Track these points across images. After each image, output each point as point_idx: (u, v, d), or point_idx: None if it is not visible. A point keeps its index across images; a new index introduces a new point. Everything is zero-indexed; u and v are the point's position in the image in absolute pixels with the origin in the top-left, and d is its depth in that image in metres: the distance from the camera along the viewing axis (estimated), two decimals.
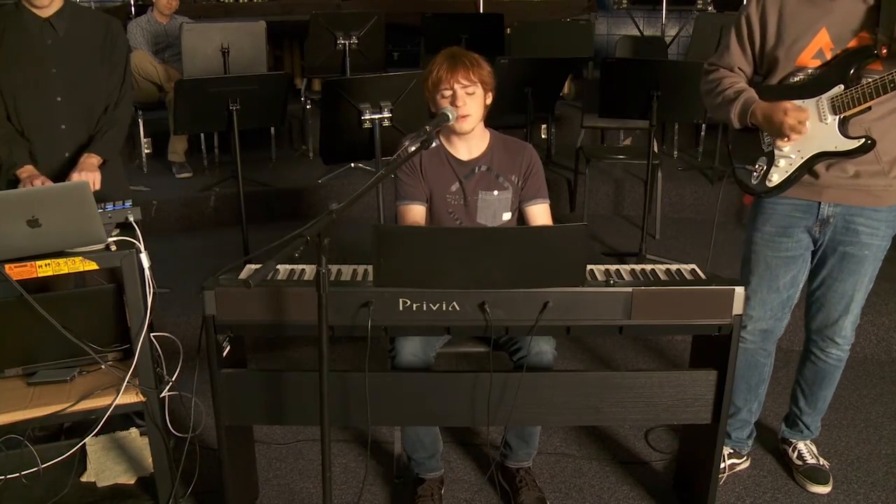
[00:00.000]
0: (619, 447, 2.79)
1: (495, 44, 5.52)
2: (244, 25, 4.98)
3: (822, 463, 2.60)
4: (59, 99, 2.56)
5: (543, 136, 5.66)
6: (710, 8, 6.58)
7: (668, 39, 6.67)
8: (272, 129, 5.46)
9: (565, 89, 6.49)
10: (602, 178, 5.03)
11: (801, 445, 2.63)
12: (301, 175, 5.13)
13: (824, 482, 2.54)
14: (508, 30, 5.85)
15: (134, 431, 2.48)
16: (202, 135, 5.36)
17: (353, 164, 4.96)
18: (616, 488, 2.56)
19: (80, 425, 2.32)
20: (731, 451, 2.61)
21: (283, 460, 2.69)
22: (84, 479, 2.28)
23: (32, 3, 2.47)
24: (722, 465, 2.57)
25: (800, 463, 2.60)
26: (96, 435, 2.23)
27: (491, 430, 2.60)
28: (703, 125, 5.34)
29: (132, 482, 2.27)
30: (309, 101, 5.65)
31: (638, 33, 7.18)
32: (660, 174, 4.51)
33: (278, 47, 6.54)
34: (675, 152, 5.58)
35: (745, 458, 2.64)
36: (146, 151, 5.30)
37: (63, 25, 2.54)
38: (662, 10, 6.63)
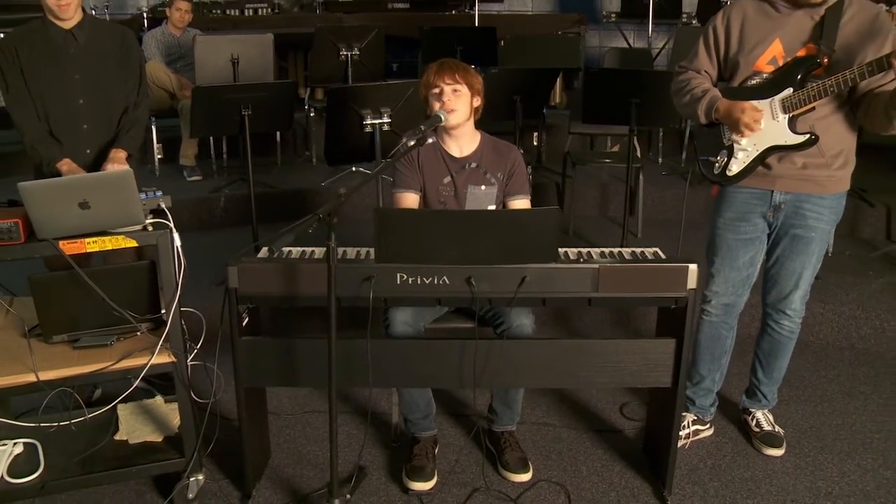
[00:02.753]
0: (595, 417, 3.08)
1: (489, 55, 5.83)
2: (253, 37, 5.30)
3: (777, 430, 2.89)
4: (81, 101, 2.86)
5: (535, 143, 5.97)
6: (693, 21, 6.93)
7: (655, 51, 7.01)
8: (278, 135, 5.77)
9: (557, 99, 6.82)
10: (589, 182, 5.32)
11: (759, 414, 2.93)
12: (305, 178, 5.43)
13: (778, 446, 2.84)
14: (501, 42, 6.16)
15: (159, 399, 2.77)
16: (211, 140, 5.68)
17: (353, 168, 5.26)
18: (591, 452, 2.85)
19: (107, 398, 2.61)
20: (695, 417, 2.91)
21: (292, 428, 2.98)
22: (117, 437, 2.56)
23: (56, 17, 2.77)
24: (686, 431, 2.87)
25: (757, 430, 2.90)
26: (125, 401, 2.55)
27: (478, 400, 2.90)
28: (687, 133, 5.65)
29: (160, 440, 2.56)
30: (312, 110, 5.97)
31: (626, 45, 7.53)
32: (641, 177, 4.82)
33: (283, 58, 6.86)
34: (660, 158, 5.89)
35: (708, 425, 2.94)
36: (158, 156, 5.60)
37: (83, 36, 2.84)
38: (649, 23, 6.96)
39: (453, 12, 7.68)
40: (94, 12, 6.46)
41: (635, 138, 4.76)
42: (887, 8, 3.21)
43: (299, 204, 5.10)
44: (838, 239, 4.54)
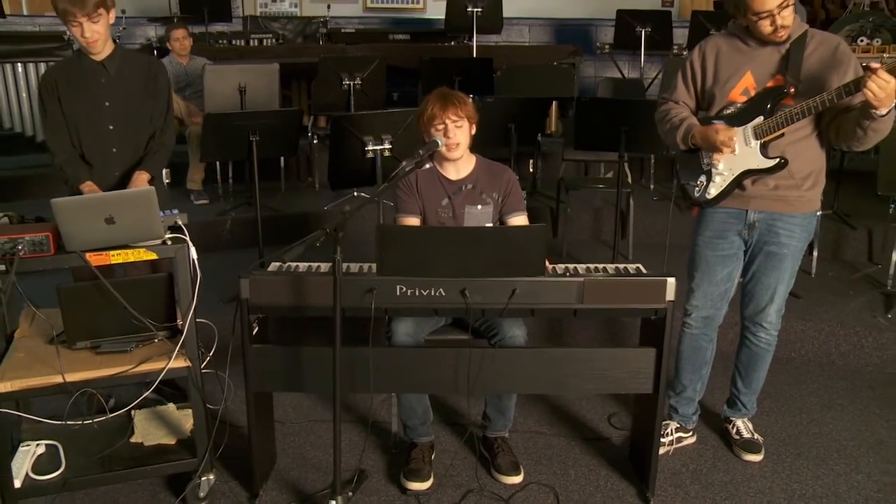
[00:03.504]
0: (584, 426, 3.25)
1: (486, 85, 6.05)
2: (259, 67, 5.52)
3: (756, 437, 3.06)
4: (111, 127, 3.06)
5: (531, 170, 6.18)
6: (684, 52, 7.16)
7: (647, 81, 7.24)
8: (281, 161, 5.98)
9: (552, 127, 7.04)
10: (582, 207, 5.51)
11: (739, 423, 3.09)
12: (308, 203, 5.62)
13: (757, 452, 3.00)
14: (498, 72, 6.39)
15: (171, 406, 2.94)
16: (218, 166, 5.88)
17: (355, 193, 5.45)
18: (580, 458, 3.01)
19: (121, 406, 2.78)
20: (679, 425, 3.07)
21: (296, 435, 3.15)
22: (133, 440, 2.72)
23: (89, 51, 2.99)
24: (670, 439, 3.04)
25: (737, 437, 3.06)
26: (139, 407, 2.72)
27: (472, 408, 3.06)
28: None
29: (173, 443, 2.72)
30: (315, 137, 6.18)
31: (620, 76, 7.76)
32: (632, 202, 5.01)
33: (287, 87, 7.09)
34: (652, 184, 6.10)
35: (690, 433, 3.10)
36: (166, 181, 5.79)
37: (114, 66, 3.05)
38: (641, 54, 7.19)
39: (452, 43, 7.91)
40: None
41: (626, 165, 4.99)
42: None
43: (303, 227, 5.28)
44: (822, 261, 4.73)
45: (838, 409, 3.42)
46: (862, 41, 7.26)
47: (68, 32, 2.98)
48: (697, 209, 2.88)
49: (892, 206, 4.43)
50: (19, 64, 5.61)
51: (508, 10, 7.88)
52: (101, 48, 2.99)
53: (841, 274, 4.67)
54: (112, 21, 2.98)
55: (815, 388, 3.62)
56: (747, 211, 2.75)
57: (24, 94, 5.66)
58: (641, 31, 7.04)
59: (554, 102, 6.68)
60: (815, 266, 4.63)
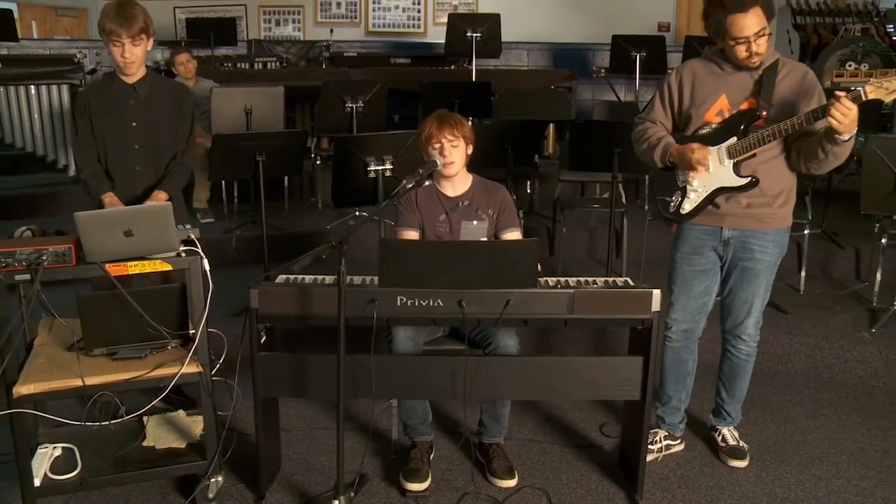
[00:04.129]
0: (577, 434, 3.38)
1: (484, 108, 6.22)
2: (265, 90, 5.71)
3: (741, 444, 3.19)
4: (136, 146, 3.23)
5: (528, 190, 6.34)
6: None
7: (642, 104, 7.42)
8: (285, 181, 6.14)
9: (550, 149, 7.21)
10: (578, 227, 5.65)
11: (725, 431, 3.22)
12: (311, 222, 5.77)
13: (742, 458, 3.13)
14: (496, 96, 6.57)
15: (181, 412, 3.07)
16: (223, 185, 6.05)
17: (357, 212, 5.60)
18: (572, 464, 3.14)
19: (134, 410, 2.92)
20: (666, 433, 3.20)
21: (300, 442, 3.28)
22: (145, 444, 2.86)
23: (123, 73, 3.18)
24: (659, 446, 3.17)
25: (723, 444, 3.19)
26: (154, 411, 2.86)
27: (469, 418, 3.19)
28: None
29: (183, 446, 2.85)
30: (318, 158, 6.35)
31: (616, 99, 7.95)
32: (625, 221, 5.16)
33: (291, 109, 7.25)
34: (646, 204, 6.25)
35: (679, 440, 3.23)
36: None
37: (144, 90, 3.23)
38: (636, 78, 7.38)
39: (452, 67, 8.11)
40: None
41: (621, 185, 5.15)
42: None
43: (306, 245, 5.41)
44: (811, 279, 4.88)
45: (822, 418, 3.55)
46: (850, 66, 7.47)
47: (105, 51, 3.17)
48: (676, 226, 3.03)
49: (878, 225, 4.57)
50: (32, 86, 5.78)
51: (508, 35, 8.08)
52: (135, 71, 3.17)
53: (828, 291, 4.81)
54: (149, 48, 3.18)
55: (800, 398, 3.76)
56: (722, 228, 2.91)
57: (35, 116, 5.82)
58: (636, 56, 7.22)
59: (551, 125, 6.86)
60: (803, 283, 4.78)
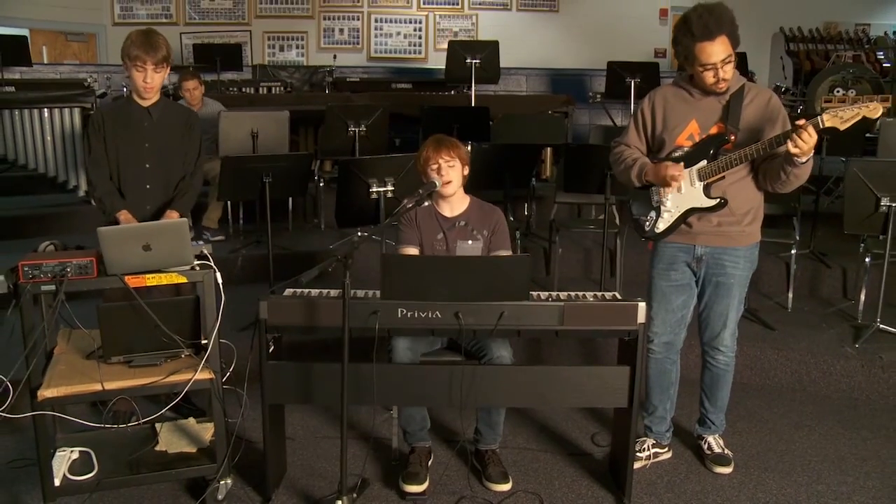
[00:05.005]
0: (570, 443, 3.53)
1: (482, 132, 6.41)
2: (271, 114, 5.91)
3: (726, 452, 3.33)
4: (147, 166, 3.43)
5: (526, 212, 6.52)
6: None
7: None
8: (290, 203, 6.32)
9: (548, 172, 7.40)
10: (573, 247, 5.82)
11: (710, 439, 3.37)
12: (314, 242, 5.93)
13: (727, 465, 3.27)
14: (494, 121, 6.76)
15: (192, 420, 3.22)
16: (229, 207, 6.23)
17: (359, 233, 5.78)
18: (564, 470, 3.29)
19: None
20: (654, 442, 3.35)
21: (304, 449, 3.43)
22: (157, 448, 3.01)
23: (140, 97, 3.39)
24: (647, 454, 3.31)
25: (709, 452, 3.34)
26: (170, 412, 3.02)
27: (466, 429, 3.34)
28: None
29: (194, 451, 3.00)
30: (321, 180, 6.54)
31: (611, 123, 8.16)
32: (619, 241, 5.32)
33: (295, 132, 7.43)
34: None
35: (666, 448, 3.38)
36: None
37: (157, 113, 3.44)
38: (631, 103, 7.58)
39: (452, 92, 8.33)
40: (124, 91, 7.09)
41: (614, 207, 5.33)
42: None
43: (310, 264, 5.49)
44: (799, 297, 5.04)
45: (806, 429, 3.70)
46: (838, 91, 7.69)
47: (124, 75, 3.38)
48: (652, 244, 3.21)
49: (863, 245, 4.73)
50: (45, 110, 5.99)
51: (508, 61, 8.31)
52: (153, 96, 3.40)
53: (816, 309, 4.97)
54: (166, 76, 3.41)
55: (785, 410, 3.90)
56: (695, 246, 3.08)
57: (48, 138, 6.02)
58: (631, 82, 7.44)
59: (549, 149, 7.06)
60: (791, 302, 4.94)
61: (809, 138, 2.65)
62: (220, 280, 2.77)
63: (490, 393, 2.91)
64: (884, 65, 10.39)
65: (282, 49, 10.95)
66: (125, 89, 7.39)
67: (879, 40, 10.90)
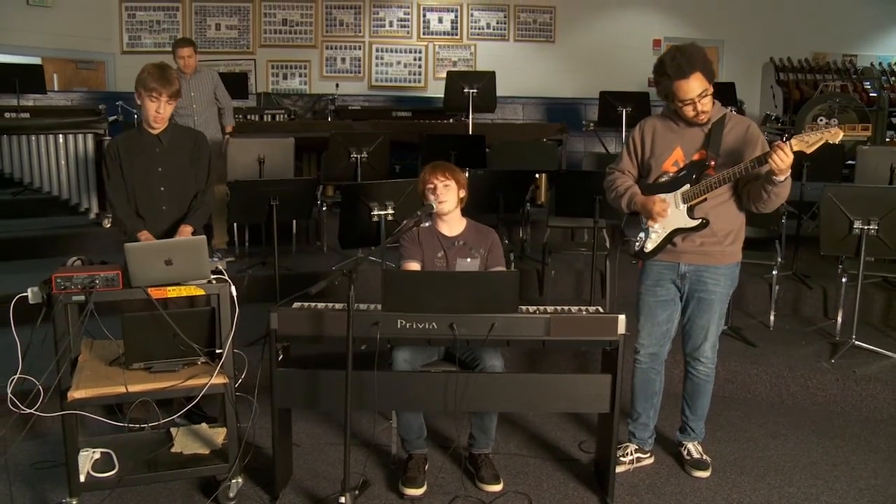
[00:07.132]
0: (558, 450, 3.75)
1: (478, 159, 6.68)
2: (277, 141, 6.20)
3: (705, 457, 3.56)
4: (162, 189, 3.69)
5: (520, 236, 6.77)
6: None
7: None
8: (293, 226, 6.57)
9: (542, 197, 7.66)
10: (566, 269, 6.04)
11: (690, 445, 3.59)
12: (317, 263, 6.17)
13: (705, 469, 3.50)
14: (490, 148, 7.03)
15: (204, 425, 3.45)
16: (235, 229, 6.48)
17: (360, 254, 6.01)
18: (552, 473, 3.51)
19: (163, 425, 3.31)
20: (637, 447, 3.57)
21: (309, 454, 3.65)
22: (173, 450, 3.23)
23: (152, 125, 3.64)
24: (630, 458, 3.53)
25: (688, 457, 3.56)
26: (182, 419, 3.25)
27: (461, 436, 3.56)
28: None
29: (207, 452, 3.22)
30: (324, 204, 6.79)
31: (604, 150, 8.44)
32: (608, 264, 5.56)
33: (299, 158, 7.69)
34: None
35: (648, 454, 3.60)
36: None
37: (167, 139, 3.70)
38: (623, 131, 7.86)
39: (450, 120, 8.61)
40: (135, 118, 7.36)
41: (605, 230, 5.59)
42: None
43: (313, 284, 5.81)
44: (782, 317, 5.28)
45: (781, 438, 3.92)
46: (821, 121, 7.97)
47: (136, 103, 3.65)
48: (641, 263, 3.45)
49: (840, 266, 4.97)
50: (60, 135, 6.27)
51: (505, 90, 8.58)
52: (163, 125, 3.65)
53: (797, 327, 5.20)
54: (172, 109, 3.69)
55: (763, 421, 4.13)
56: (679, 264, 3.33)
57: (62, 162, 6.30)
58: (622, 110, 7.71)
59: (544, 175, 7.32)
60: (773, 321, 5.17)
61: (786, 157, 2.90)
62: (234, 293, 3.01)
63: (482, 399, 3.15)
64: (871, 94, 10.71)
65: (285, 77, 11.28)
66: (136, 116, 7.69)
67: (867, 70, 11.23)
